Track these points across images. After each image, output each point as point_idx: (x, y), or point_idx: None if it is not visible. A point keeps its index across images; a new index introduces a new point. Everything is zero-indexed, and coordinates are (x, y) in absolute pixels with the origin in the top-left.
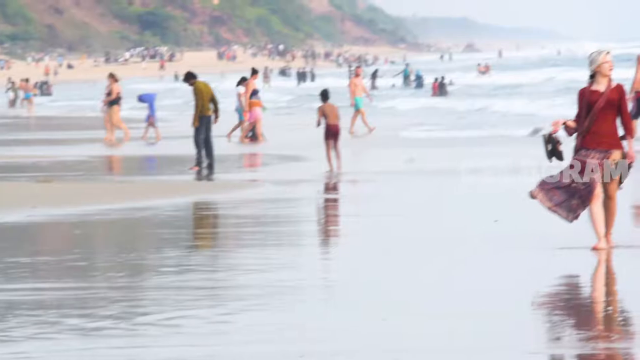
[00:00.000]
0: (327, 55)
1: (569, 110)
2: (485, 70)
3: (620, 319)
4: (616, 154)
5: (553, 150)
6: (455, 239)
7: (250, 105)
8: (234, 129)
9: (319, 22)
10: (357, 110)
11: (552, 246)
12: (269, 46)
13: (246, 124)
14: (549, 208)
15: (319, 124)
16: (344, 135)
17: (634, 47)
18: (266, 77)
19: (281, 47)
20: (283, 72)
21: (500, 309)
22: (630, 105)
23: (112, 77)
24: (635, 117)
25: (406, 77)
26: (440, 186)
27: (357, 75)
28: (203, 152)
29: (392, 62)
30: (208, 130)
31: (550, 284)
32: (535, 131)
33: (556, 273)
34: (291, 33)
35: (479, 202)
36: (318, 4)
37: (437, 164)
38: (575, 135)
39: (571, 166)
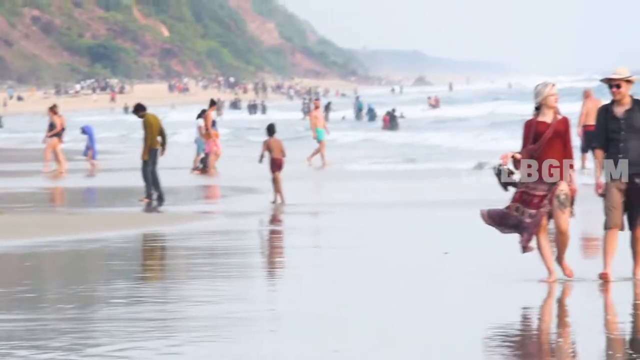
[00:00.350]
0: (277, 87)
1: (510, 142)
2: (435, 103)
3: (570, 351)
4: (563, 185)
5: (504, 182)
6: (404, 269)
7: (209, 136)
8: (195, 161)
9: (269, 55)
10: (320, 142)
11: (504, 278)
12: (220, 78)
13: (202, 155)
14: (501, 229)
15: (262, 158)
16: (301, 167)
17: (581, 81)
18: (218, 109)
19: (232, 79)
20: (234, 105)
21: (452, 341)
22: (578, 140)
23: (52, 110)
24: (584, 150)
25: (359, 110)
26: (390, 218)
27: (316, 107)
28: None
29: (343, 95)
30: (154, 163)
31: (501, 315)
32: (480, 166)
33: (508, 305)
34: (242, 65)
35: (427, 233)
36: (269, 37)
37: (384, 197)
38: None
39: (519, 196)
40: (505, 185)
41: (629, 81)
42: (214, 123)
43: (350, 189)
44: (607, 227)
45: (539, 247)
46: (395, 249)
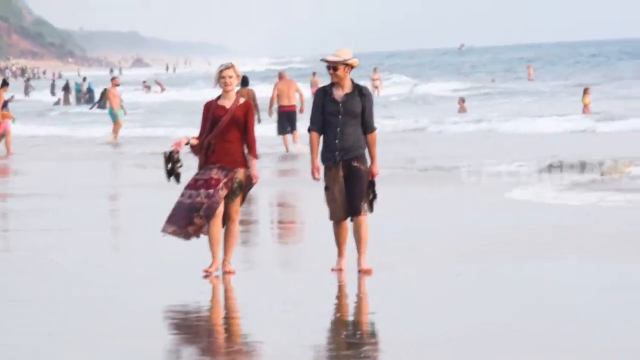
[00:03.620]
0: None
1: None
2: (148, 87)
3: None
4: (240, 173)
5: (172, 169)
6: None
7: (2, 117)
8: None
9: None
10: (116, 121)
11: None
12: None
13: None
14: (171, 233)
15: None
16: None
17: (290, 64)
18: None
19: None
20: None
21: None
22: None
23: None
24: (280, 132)
25: (78, 91)
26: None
27: (115, 85)
28: None
29: (60, 76)
30: None
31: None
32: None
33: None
34: None
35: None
36: None
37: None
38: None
39: (194, 182)
40: (169, 174)
41: (348, 64)
42: (5, 104)
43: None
44: (333, 219)
45: (210, 233)
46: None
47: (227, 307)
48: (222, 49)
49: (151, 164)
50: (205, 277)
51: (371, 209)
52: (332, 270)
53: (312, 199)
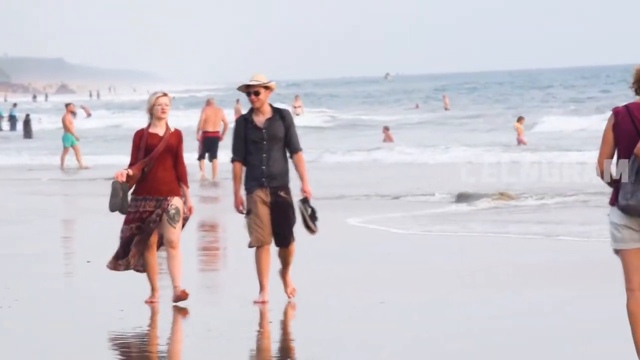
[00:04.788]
0: None
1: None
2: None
3: None
4: (175, 200)
5: (123, 200)
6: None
7: None
8: None
9: None
10: (70, 147)
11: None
12: None
13: None
14: (113, 268)
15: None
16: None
17: (220, 90)
18: None
19: None
20: None
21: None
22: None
23: None
24: (200, 157)
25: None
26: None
27: (69, 111)
28: None
29: None
30: None
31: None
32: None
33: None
34: None
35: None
36: None
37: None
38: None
39: (128, 217)
40: (114, 207)
41: (267, 88)
42: None
43: None
44: (255, 245)
45: (147, 264)
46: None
47: (152, 335)
48: (148, 75)
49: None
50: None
51: (315, 227)
52: (255, 302)
53: (234, 225)
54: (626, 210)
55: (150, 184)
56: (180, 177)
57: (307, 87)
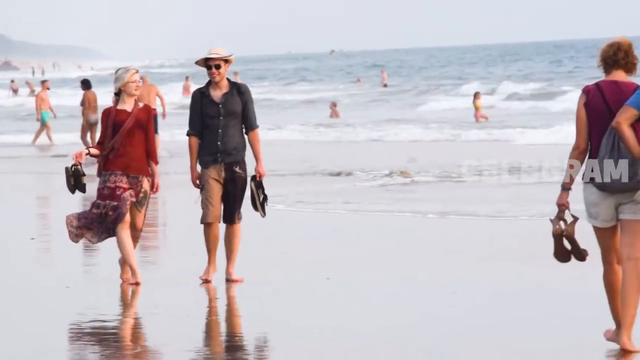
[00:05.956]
0: None
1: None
2: (16, 88)
3: None
4: (145, 183)
5: (77, 183)
6: None
7: None
8: None
9: None
10: (44, 124)
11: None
12: None
13: None
14: (76, 234)
15: None
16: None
17: (163, 68)
18: None
19: None
20: None
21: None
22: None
23: None
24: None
25: None
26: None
27: (45, 88)
28: None
29: None
30: None
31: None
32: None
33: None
34: None
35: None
36: None
37: None
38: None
39: (101, 192)
40: (74, 188)
41: (227, 61)
42: None
43: None
44: (204, 222)
45: (120, 242)
46: None
47: (97, 312)
48: (91, 52)
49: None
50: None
51: (264, 212)
52: (200, 278)
53: (175, 201)
54: (602, 188)
55: (120, 160)
56: (149, 153)
57: (251, 63)
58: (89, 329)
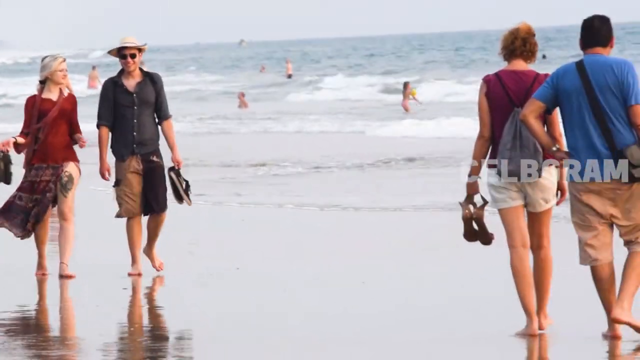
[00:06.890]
0: None
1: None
2: None
3: None
4: (70, 166)
5: (6, 172)
6: None
7: None
8: None
9: None
10: None
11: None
12: None
13: None
14: (10, 229)
15: None
16: None
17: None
18: None
19: None
20: None
21: None
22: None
23: None
24: None
25: None
26: None
27: None
28: None
29: None
30: None
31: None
32: None
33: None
34: None
35: None
36: None
37: None
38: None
39: (24, 185)
40: (5, 177)
41: (140, 50)
42: None
43: None
44: (125, 216)
45: (36, 234)
46: None
47: (27, 305)
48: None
49: None
50: (43, 276)
51: (189, 199)
52: (129, 275)
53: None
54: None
55: (45, 151)
56: (77, 139)
57: (161, 53)
58: (13, 324)
